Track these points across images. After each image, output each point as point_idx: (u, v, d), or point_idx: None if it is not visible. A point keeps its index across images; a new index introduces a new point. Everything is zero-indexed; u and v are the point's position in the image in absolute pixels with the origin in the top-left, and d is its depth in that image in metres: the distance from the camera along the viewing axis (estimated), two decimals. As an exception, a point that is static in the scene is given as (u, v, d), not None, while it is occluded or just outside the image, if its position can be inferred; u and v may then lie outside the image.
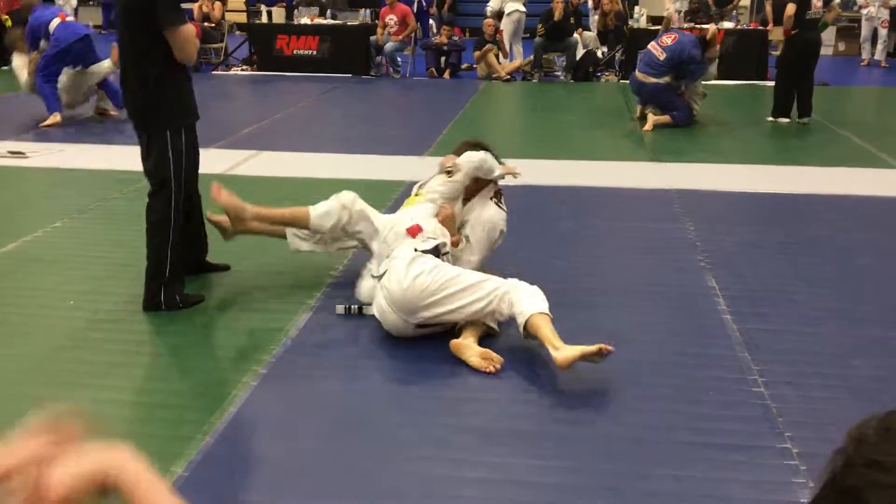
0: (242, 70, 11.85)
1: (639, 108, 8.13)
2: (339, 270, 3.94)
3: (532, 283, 3.14)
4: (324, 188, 5.45)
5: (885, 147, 6.73)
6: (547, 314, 2.97)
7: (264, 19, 12.02)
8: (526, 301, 3.02)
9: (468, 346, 3.01)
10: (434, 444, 2.52)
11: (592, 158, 6.47)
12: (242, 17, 14.41)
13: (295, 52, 11.66)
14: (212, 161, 6.20)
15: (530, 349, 3.15)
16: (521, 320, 2.99)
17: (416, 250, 3.23)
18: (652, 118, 7.68)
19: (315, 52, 11.60)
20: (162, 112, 3.42)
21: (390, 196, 5.16)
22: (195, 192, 3.72)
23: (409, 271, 3.10)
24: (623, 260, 4.20)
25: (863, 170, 6.07)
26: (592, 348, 2.81)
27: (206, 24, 11.93)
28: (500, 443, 2.54)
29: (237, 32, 13.81)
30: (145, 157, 3.52)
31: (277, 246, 3.86)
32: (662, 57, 7.67)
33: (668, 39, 7.79)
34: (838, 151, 6.77)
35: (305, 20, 11.79)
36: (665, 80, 7.69)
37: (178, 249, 3.50)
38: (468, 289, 3.08)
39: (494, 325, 3.17)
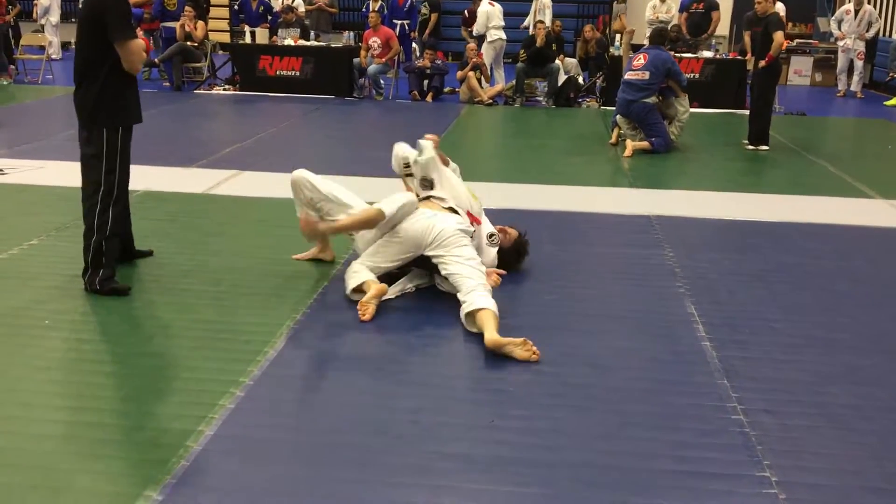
0: (225, 90, 11.83)
1: (614, 133, 8.22)
2: (320, 292, 3.92)
3: (512, 307, 3.24)
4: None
5: (861, 176, 6.83)
6: (497, 317, 3.40)
7: (248, 39, 12.02)
8: (486, 299, 3.49)
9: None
10: (414, 471, 2.50)
11: (573, 183, 6.51)
12: (226, 37, 14.43)
13: (278, 72, 11.67)
14: (192, 180, 6.19)
15: (510, 378, 3.15)
16: (473, 308, 3.43)
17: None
18: (631, 144, 7.75)
19: (298, 73, 11.62)
20: (103, 112, 3.80)
21: (372, 218, 5.14)
22: (125, 193, 4.02)
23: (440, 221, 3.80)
24: (603, 285, 4.21)
25: (839, 199, 6.15)
26: (517, 340, 3.25)
27: (188, 42, 11.92)
28: (481, 469, 2.52)
29: (220, 52, 13.80)
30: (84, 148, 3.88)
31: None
32: (646, 76, 7.78)
33: (639, 61, 7.93)
34: (815, 180, 6.86)
35: (288, 41, 11.81)
36: (653, 99, 7.80)
37: (113, 239, 3.88)
38: (470, 260, 3.69)
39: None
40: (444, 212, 3.93)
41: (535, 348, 3.25)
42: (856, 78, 13.09)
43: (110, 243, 3.87)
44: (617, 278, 4.32)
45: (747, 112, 8.52)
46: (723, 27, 13.99)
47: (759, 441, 2.70)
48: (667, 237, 4.99)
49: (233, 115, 10.37)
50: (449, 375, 3.19)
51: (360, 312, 3.62)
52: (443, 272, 3.75)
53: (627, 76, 7.99)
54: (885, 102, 12.20)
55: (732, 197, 6.20)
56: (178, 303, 3.79)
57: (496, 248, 4.16)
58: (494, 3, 11.92)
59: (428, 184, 4.12)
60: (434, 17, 14.08)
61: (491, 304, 3.46)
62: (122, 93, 3.85)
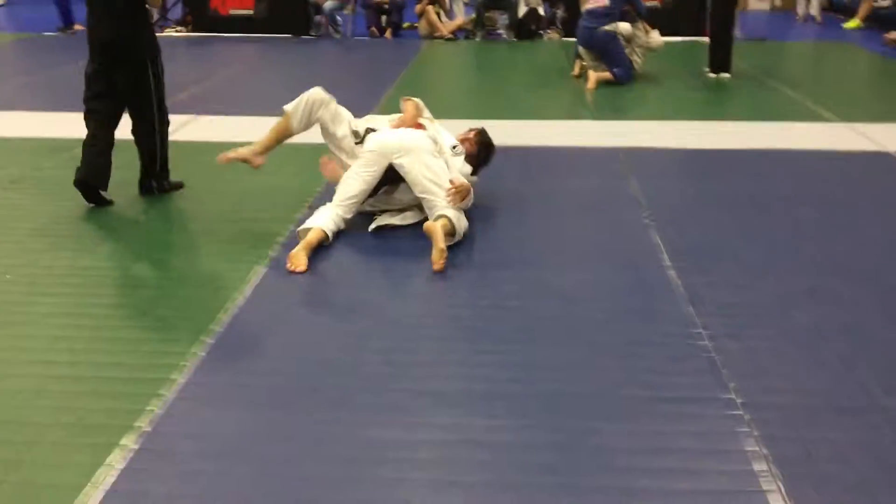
0: (177, 32, 11.49)
1: (577, 66, 8.16)
2: (286, 236, 3.89)
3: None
4: (271, 153, 5.39)
5: (820, 101, 6.87)
6: (451, 224, 3.61)
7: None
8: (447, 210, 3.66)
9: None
10: (388, 409, 2.53)
11: (537, 118, 6.48)
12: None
13: (231, 11, 11.35)
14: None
15: (480, 314, 3.17)
16: (437, 212, 3.63)
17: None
18: (593, 75, 7.70)
19: (252, 12, 11.31)
20: (144, 44, 4.23)
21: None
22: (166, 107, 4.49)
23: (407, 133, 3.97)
24: (569, 219, 4.23)
25: (801, 124, 6.20)
26: (439, 240, 3.47)
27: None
28: (454, 404, 2.56)
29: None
30: (116, 87, 4.25)
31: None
32: (606, 2, 7.71)
33: None
34: (777, 106, 6.89)
35: (241, -21, 11.45)
36: (614, 27, 7.72)
37: (166, 148, 4.46)
38: (439, 171, 3.81)
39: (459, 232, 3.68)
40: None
41: (443, 262, 3.45)
42: (814, 2, 13.07)
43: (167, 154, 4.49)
44: (583, 211, 4.34)
45: (708, 39, 8.49)
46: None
47: (724, 365, 2.76)
48: (631, 168, 5.01)
49: (186, 58, 10.08)
50: (420, 314, 3.20)
51: (288, 265, 3.49)
52: (406, 178, 3.83)
53: (587, 5, 7.92)
54: (843, 25, 12.23)
55: (695, 126, 6.22)
56: (142, 253, 3.74)
57: (462, 157, 4.15)
58: (451, -67, 11.64)
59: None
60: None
61: (450, 213, 3.64)
62: (150, 27, 4.36)
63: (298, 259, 3.52)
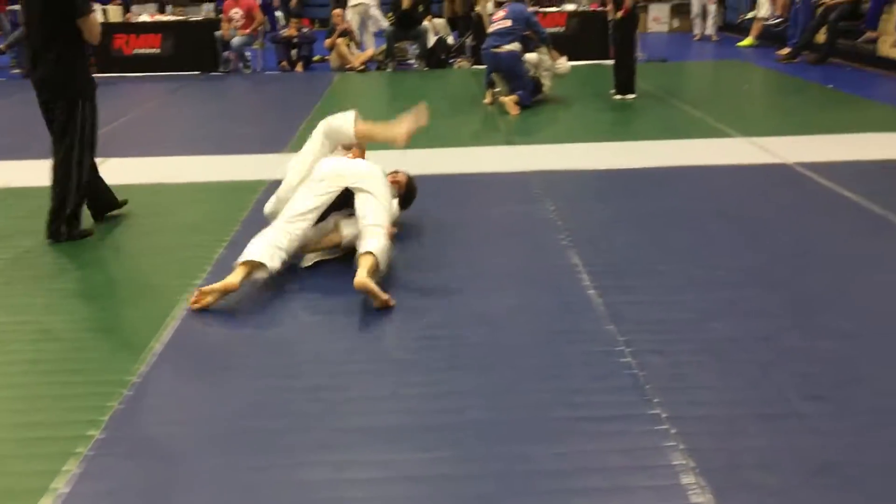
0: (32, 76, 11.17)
1: (488, 94, 8.31)
2: (203, 279, 3.80)
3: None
4: (177, 193, 5.28)
5: (722, 117, 7.16)
6: (376, 260, 3.48)
7: (99, 18, 11.35)
8: (375, 242, 3.53)
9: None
10: (317, 449, 2.48)
11: (451, 145, 6.54)
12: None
13: (136, 51, 11.13)
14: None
15: (406, 345, 3.16)
16: (364, 250, 3.50)
17: None
18: (509, 101, 7.86)
19: (158, 51, 11.12)
20: (76, 84, 4.24)
21: (251, 197, 5.02)
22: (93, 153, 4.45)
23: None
24: (490, 244, 4.27)
25: (704, 140, 6.44)
26: (379, 293, 3.38)
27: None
28: (386, 440, 2.53)
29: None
30: (52, 123, 4.30)
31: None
32: (508, 23, 8.00)
33: (502, 12, 8.24)
34: (681, 124, 7.14)
35: (145, 17, 11.26)
36: (517, 46, 7.95)
37: (81, 195, 4.34)
38: (378, 200, 3.74)
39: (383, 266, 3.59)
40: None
41: (392, 302, 3.42)
42: (710, 21, 13.67)
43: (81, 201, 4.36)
44: (503, 236, 4.39)
45: (612, 62, 8.75)
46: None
47: (647, 380, 2.82)
48: (547, 191, 5.09)
49: (91, 99, 9.81)
50: (347, 349, 3.17)
51: (192, 299, 3.42)
52: (356, 202, 3.74)
53: (491, 27, 8.23)
54: (737, 44, 12.80)
55: (606, 147, 6.38)
56: (52, 304, 3.59)
57: (396, 199, 4.18)
58: (358, -34, 11.72)
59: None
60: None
61: (376, 249, 3.50)
62: (85, 65, 4.37)
63: (204, 299, 3.40)
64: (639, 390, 2.77)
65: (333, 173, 3.82)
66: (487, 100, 8.30)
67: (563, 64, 8.36)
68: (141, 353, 3.08)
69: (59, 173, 4.29)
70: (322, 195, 3.77)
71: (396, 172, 4.37)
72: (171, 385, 2.90)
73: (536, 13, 9.26)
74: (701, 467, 2.34)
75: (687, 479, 2.29)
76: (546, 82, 8.29)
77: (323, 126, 4.07)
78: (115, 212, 4.73)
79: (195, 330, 3.32)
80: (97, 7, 11.53)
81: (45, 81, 4.26)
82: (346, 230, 3.87)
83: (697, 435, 2.51)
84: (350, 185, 3.79)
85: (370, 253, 3.49)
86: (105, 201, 4.66)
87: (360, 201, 3.74)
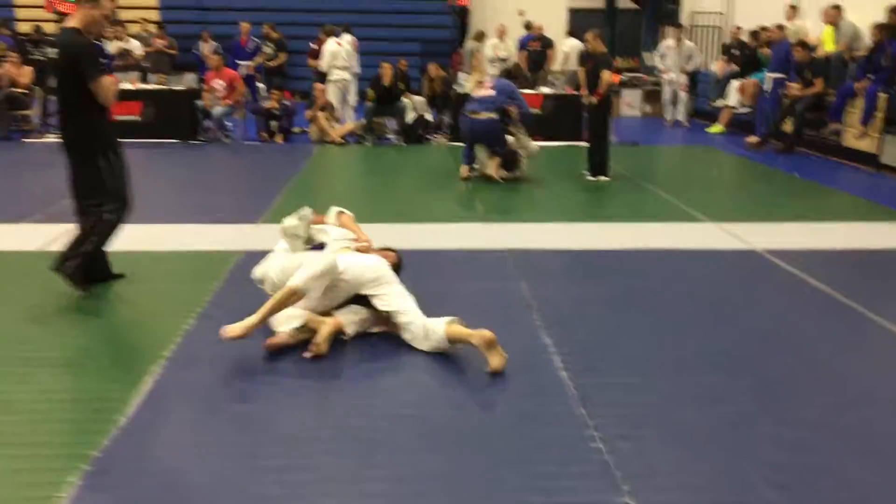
0: (58, 137, 11.22)
1: (464, 169, 8.48)
2: (172, 350, 3.76)
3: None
4: (152, 261, 5.26)
5: (691, 202, 7.32)
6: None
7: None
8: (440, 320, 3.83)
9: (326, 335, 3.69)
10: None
11: (427, 220, 6.61)
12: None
13: (116, 117, 11.16)
14: (27, 237, 5.81)
15: (373, 424, 3.13)
16: (443, 326, 3.78)
17: None
18: (493, 163, 8.11)
19: (139, 118, 11.20)
20: (95, 142, 4.49)
21: (224, 267, 5.02)
22: (131, 203, 4.73)
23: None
24: (464, 323, 4.27)
25: (674, 224, 6.57)
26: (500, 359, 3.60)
27: (12, 89, 11.25)
28: (350, 523, 2.48)
29: (51, 97, 13.07)
30: (76, 179, 4.61)
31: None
32: (492, 93, 8.38)
33: (488, 84, 8.71)
34: (652, 207, 7.28)
35: (127, 85, 11.35)
36: (495, 115, 8.25)
37: (100, 241, 4.60)
38: (407, 295, 3.98)
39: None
40: (368, 253, 4.19)
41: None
42: (681, 108, 14.07)
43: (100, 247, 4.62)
44: (476, 314, 4.36)
45: (586, 144, 8.96)
46: (576, 62, 14.71)
47: (617, 466, 2.81)
48: (519, 270, 5.15)
49: (68, 163, 9.82)
50: (314, 426, 3.13)
51: (310, 352, 3.64)
52: (382, 306, 3.92)
53: (476, 93, 8.65)
54: (707, 130, 13.17)
55: (579, 227, 6.49)
56: (17, 373, 3.52)
57: None
58: (343, 43, 11.97)
59: (320, 244, 4.21)
60: (283, 56, 13.99)
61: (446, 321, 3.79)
62: (104, 124, 4.55)
63: (322, 348, 3.67)
64: (609, 476, 2.76)
65: (354, 283, 3.93)
66: (463, 174, 8.46)
67: (532, 145, 8.68)
68: (106, 426, 3.02)
69: (84, 219, 4.58)
70: (338, 301, 3.96)
71: (388, 251, 4.40)
72: (133, 461, 2.84)
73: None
74: (669, 558, 2.33)
75: (655, 570, 2.27)
76: (523, 159, 8.53)
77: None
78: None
79: (162, 402, 3.27)
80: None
81: (66, 141, 4.56)
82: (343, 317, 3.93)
83: (666, 524, 2.50)
84: (366, 292, 3.95)
85: (451, 322, 3.81)
86: (99, 268, 4.74)
87: (388, 306, 3.92)
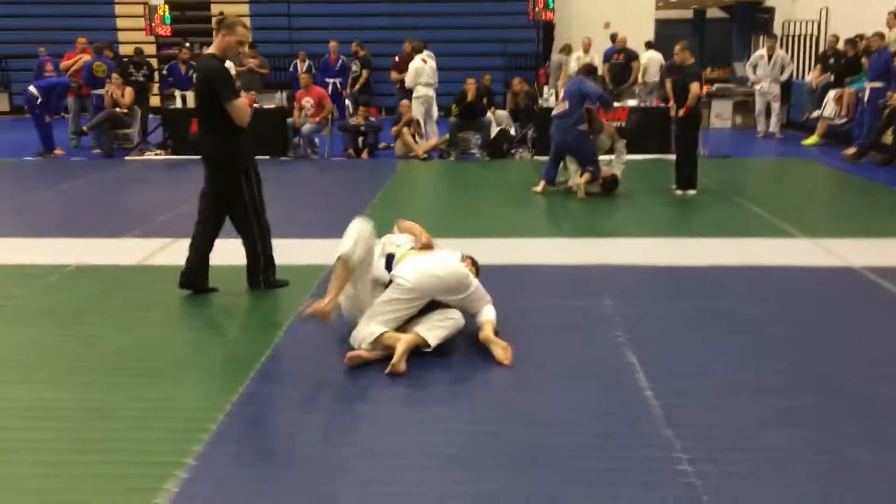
0: (157, 155, 11.72)
1: (541, 184, 8.50)
2: (262, 363, 3.87)
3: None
4: (242, 274, 5.42)
5: (784, 216, 7.09)
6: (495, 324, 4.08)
7: (178, 104, 11.95)
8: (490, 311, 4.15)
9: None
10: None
11: (509, 235, 6.60)
12: (156, 101, 14.33)
13: (210, 135, 11.60)
14: (126, 251, 6.08)
15: (454, 440, 3.14)
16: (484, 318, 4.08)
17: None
18: (582, 180, 8.12)
19: (231, 136, 11.58)
20: (234, 155, 4.80)
21: (313, 281, 5.14)
22: (263, 210, 5.01)
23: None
24: (545, 338, 4.25)
25: (765, 240, 6.37)
26: (501, 343, 3.93)
27: (116, 109, 11.81)
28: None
29: (152, 116, 13.69)
30: (215, 195, 4.92)
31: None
32: (565, 106, 8.37)
33: (562, 95, 8.71)
34: (741, 222, 7.09)
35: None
36: (582, 127, 8.25)
37: (268, 247, 5.02)
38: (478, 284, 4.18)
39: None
40: (438, 251, 4.28)
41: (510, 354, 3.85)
42: (774, 119, 13.66)
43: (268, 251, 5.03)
44: (558, 331, 4.37)
45: (674, 157, 8.80)
46: (654, 74, 14.52)
47: (704, 491, 2.74)
48: (604, 286, 5.08)
49: (166, 180, 10.26)
50: (395, 442, 3.16)
51: (389, 371, 3.68)
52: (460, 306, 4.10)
53: (554, 111, 8.60)
54: (802, 142, 12.74)
55: (665, 243, 6.37)
56: (114, 382, 3.69)
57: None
58: (427, 59, 12.11)
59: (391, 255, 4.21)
60: (365, 73, 14.26)
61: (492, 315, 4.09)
62: (239, 142, 4.80)
63: (401, 366, 3.71)
64: (695, 500, 2.69)
65: (424, 289, 3.97)
66: (539, 188, 8.47)
67: (620, 144, 8.62)
68: (199, 435, 3.13)
69: (243, 235, 4.95)
70: (411, 309, 3.98)
71: (467, 258, 4.41)
72: (226, 471, 2.93)
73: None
74: (757, 588, 2.25)
75: None
76: (618, 172, 8.47)
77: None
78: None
79: (249, 418, 3.36)
80: (179, 93, 12.18)
81: (206, 159, 4.90)
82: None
83: (754, 552, 2.42)
84: (440, 299, 4.05)
85: (489, 320, 4.05)
86: (198, 278, 4.98)
87: (462, 307, 4.10)
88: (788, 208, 7.57)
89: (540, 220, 7.41)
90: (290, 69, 14.63)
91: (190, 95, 12.08)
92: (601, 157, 8.61)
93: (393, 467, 2.94)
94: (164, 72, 13.55)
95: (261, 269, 4.97)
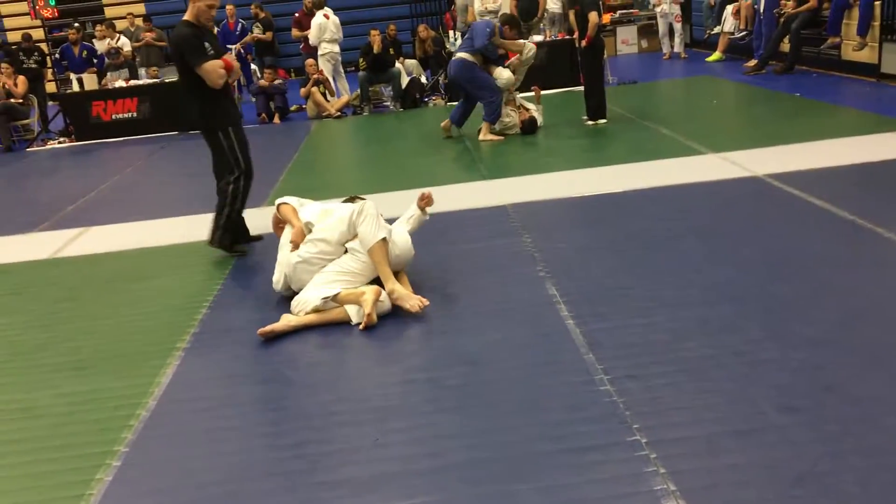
0: (60, 143, 11.30)
1: (445, 123, 8.52)
2: (188, 342, 3.84)
3: (383, 317, 3.85)
4: (165, 255, 5.33)
5: (693, 135, 7.27)
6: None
7: (76, 87, 11.51)
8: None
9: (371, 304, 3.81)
10: (303, 505, 2.51)
11: (429, 184, 6.58)
12: (52, 87, 13.77)
13: (114, 116, 11.25)
14: (37, 245, 5.90)
15: (386, 391, 3.19)
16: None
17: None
18: (481, 138, 8.03)
19: (136, 114, 11.25)
20: (212, 119, 4.97)
21: (231, 258, 5.07)
22: (251, 172, 5.19)
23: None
24: (470, 281, 4.31)
25: (676, 159, 6.53)
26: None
27: (10, 100, 11.31)
28: (370, 490, 2.56)
29: (50, 103, 13.15)
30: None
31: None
32: (461, 41, 8.43)
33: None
34: (652, 145, 7.24)
35: (120, 83, 11.40)
36: (464, 55, 8.20)
37: (237, 211, 5.14)
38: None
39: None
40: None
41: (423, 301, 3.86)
42: (677, 40, 13.88)
43: (234, 214, 5.11)
44: (481, 272, 4.44)
45: (583, 88, 8.89)
46: (553, 3, 14.48)
47: (626, 407, 2.86)
48: (523, 223, 5.16)
49: (72, 168, 9.91)
50: (328, 401, 3.20)
51: (365, 323, 3.75)
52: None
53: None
54: (706, 59, 13.00)
55: (579, 174, 6.47)
56: (35, 380, 3.62)
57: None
58: (329, 14, 11.87)
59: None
60: (269, 34, 13.92)
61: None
62: (219, 101, 4.95)
63: (373, 317, 3.78)
64: (618, 417, 2.81)
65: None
66: (443, 125, 8.57)
67: (505, 74, 8.36)
68: (128, 422, 3.11)
69: (218, 189, 5.08)
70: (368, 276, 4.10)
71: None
72: (160, 453, 2.93)
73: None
74: (681, 490, 2.38)
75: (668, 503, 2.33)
76: (539, 116, 8.46)
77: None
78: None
79: (178, 395, 3.35)
80: (74, 76, 11.72)
81: (191, 121, 5.15)
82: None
83: (677, 457, 2.55)
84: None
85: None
86: (240, 231, 5.28)
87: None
88: (696, 126, 7.76)
89: (457, 167, 7.44)
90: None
91: (87, 77, 11.68)
92: (520, 96, 8.61)
93: (329, 426, 2.98)
94: (57, 56, 13.01)
95: (219, 225, 5.07)
